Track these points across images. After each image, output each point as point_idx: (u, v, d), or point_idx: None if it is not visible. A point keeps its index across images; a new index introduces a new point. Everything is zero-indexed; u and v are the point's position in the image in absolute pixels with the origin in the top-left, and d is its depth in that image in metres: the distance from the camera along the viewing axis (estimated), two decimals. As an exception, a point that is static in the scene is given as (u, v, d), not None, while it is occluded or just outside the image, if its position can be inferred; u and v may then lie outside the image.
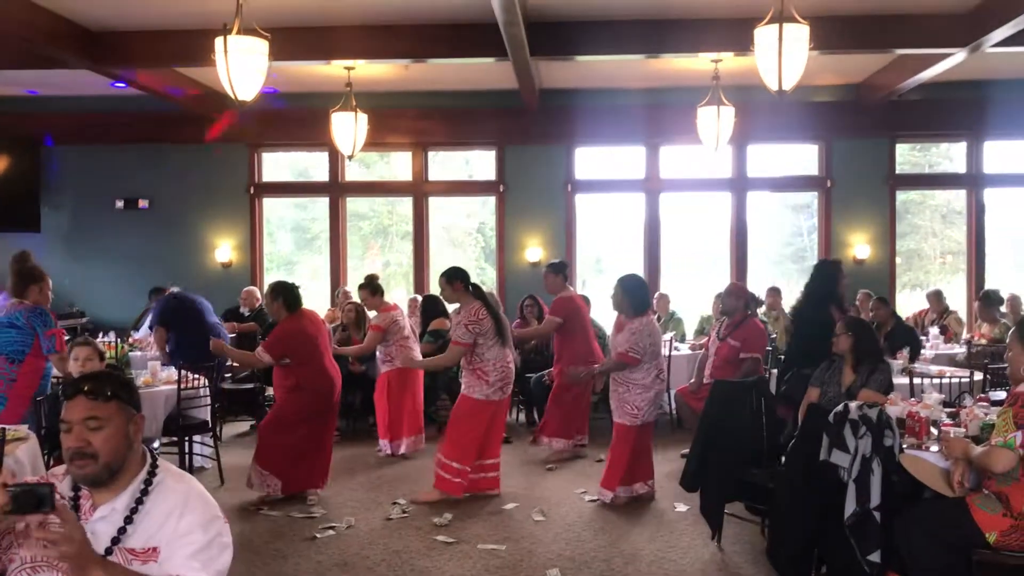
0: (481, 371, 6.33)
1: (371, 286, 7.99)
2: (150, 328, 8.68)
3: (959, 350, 8.84)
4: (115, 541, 2.32)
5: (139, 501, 2.36)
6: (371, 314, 8.32)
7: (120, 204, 11.60)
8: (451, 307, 7.54)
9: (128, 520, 2.34)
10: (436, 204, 12.12)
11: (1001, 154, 11.67)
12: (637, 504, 6.30)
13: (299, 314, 6.48)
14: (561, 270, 7.97)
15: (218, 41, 6.34)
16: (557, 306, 7.81)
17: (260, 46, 6.49)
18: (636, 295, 6.42)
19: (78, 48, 8.41)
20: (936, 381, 6.42)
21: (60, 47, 8.24)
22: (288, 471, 6.37)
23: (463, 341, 6.29)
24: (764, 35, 6.30)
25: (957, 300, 11.46)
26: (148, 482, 2.38)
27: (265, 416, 6.67)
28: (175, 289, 8.92)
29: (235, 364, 8.11)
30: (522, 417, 9.48)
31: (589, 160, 11.75)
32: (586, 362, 7.61)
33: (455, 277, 6.52)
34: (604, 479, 6.39)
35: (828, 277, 6.72)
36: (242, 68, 6.43)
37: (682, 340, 9.82)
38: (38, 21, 7.86)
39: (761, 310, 9.61)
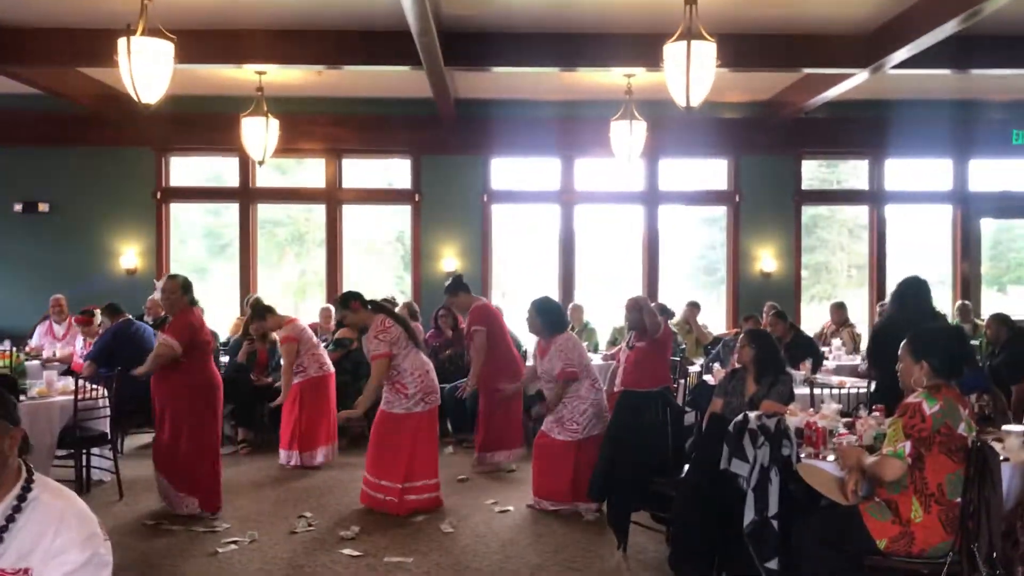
0: (399, 383, 6.25)
1: (255, 310, 7.97)
2: (87, 359, 8.19)
3: (860, 361, 9.11)
4: None
5: (10, 519, 2.24)
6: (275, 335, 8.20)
7: (19, 207, 11.15)
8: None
9: None
10: (355, 212, 11.99)
11: (901, 171, 12.12)
12: (547, 514, 6.31)
13: (193, 308, 6.31)
14: (458, 286, 7.93)
15: (121, 42, 6.19)
16: (476, 316, 7.72)
17: (165, 48, 6.35)
18: (550, 316, 6.53)
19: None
20: (835, 391, 6.59)
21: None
22: (200, 486, 6.20)
23: (380, 352, 6.19)
24: (673, 51, 6.42)
25: (861, 312, 11.84)
26: (22, 498, 2.27)
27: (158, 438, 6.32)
28: (129, 316, 8.54)
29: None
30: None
31: (505, 171, 11.79)
32: (508, 370, 7.60)
33: (349, 299, 6.53)
34: (549, 492, 6.36)
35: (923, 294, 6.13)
36: (146, 70, 6.29)
37: (595, 350, 9.90)
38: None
39: (674, 320, 9.77)
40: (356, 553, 5.42)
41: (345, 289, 11.37)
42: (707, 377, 7.57)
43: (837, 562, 3.81)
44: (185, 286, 6.25)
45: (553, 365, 6.39)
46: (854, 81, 9.17)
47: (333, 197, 11.58)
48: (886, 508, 3.82)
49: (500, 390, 7.48)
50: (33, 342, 9.61)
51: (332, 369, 8.04)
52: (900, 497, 3.79)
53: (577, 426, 6.30)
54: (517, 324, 8.44)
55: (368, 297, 6.64)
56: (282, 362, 7.93)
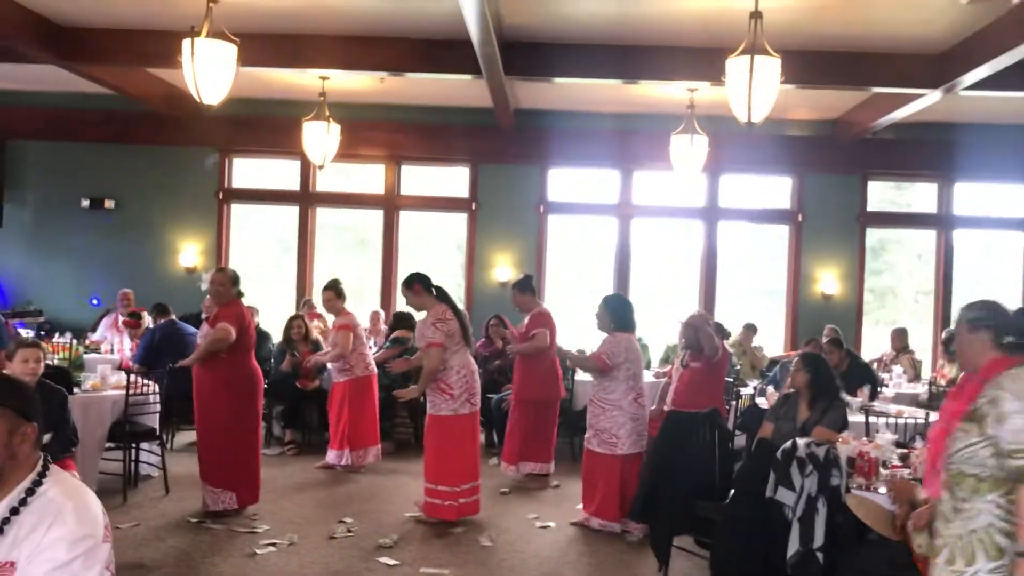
0: (443, 382, 6.17)
1: (336, 289, 7.91)
2: (135, 362, 8.34)
3: (921, 390, 8.84)
4: None
5: (14, 511, 2.22)
6: (329, 318, 8.22)
7: (86, 203, 11.41)
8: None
9: None
10: (416, 218, 12.03)
11: (971, 196, 11.76)
12: (588, 532, 6.20)
13: (240, 300, 6.37)
14: (528, 286, 7.82)
15: (185, 43, 6.28)
16: (542, 320, 7.59)
17: (228, 51, 6.43)
18: (618, 313, 6.37)
19: (44, 43, 8.27)
20: (892, 421, 6.38)
21: (26, 41, 8.11)
22: (237, 480, 6.24)
23: (436, 340, 6.11)
24: (735, 66, 6.30)
25: (925, 339, 11.50)
26: (30, 492, 2.25)
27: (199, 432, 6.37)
28: (174, 317, 8.70)
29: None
30: (481, 438, 9.33)
31: (562, 182, 11.72)
32: (546, 383, 7.53)
33: (413, 280, 6.37)
34: (597, 509, 6.22)
35: None
36: (209, 72, 6.37)
37: (647, 367, 9.75)
38: (3, 13, 7.72)
39: (729, 341, 9.59)
40: (393, 562, 5.38)
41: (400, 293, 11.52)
42: (760, 400, 7.39)
43: (884, 600, 3.66)
44: (233, 279, 6.35)
45: (599, 349, 6.28)
46: (925, 102, 8.92)
47: (391, 203, 11.64)
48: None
49: (540, 401, 7.42)
50: (96, 335, 9.82)
51: (376, 371, 8.05)
52: (954, 536, 3.61)
53: (615, 439, 6.16)
54: (567, 336, 8.35)
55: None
56: (331, 348, 7.91)
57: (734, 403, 7.46)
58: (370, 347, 8.83)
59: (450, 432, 6.21)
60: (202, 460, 6.28)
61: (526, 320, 7.73)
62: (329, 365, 7.97)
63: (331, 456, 7.83)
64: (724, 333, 9.21)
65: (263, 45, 8.10)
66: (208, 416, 6.23)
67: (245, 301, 6.51)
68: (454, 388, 6.18)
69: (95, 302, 11.07)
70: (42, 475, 2.30)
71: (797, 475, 4.04)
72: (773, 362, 9.77)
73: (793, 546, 3.95)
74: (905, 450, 4.84)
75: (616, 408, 6.18)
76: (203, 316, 9.97)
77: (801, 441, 4.20)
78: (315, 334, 8.86)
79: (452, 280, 12.25)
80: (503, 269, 11.32)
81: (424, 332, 6.20)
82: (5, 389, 2.29)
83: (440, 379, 6.18)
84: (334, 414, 7.84)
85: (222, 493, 6.22)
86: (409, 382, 8.10)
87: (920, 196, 12.43)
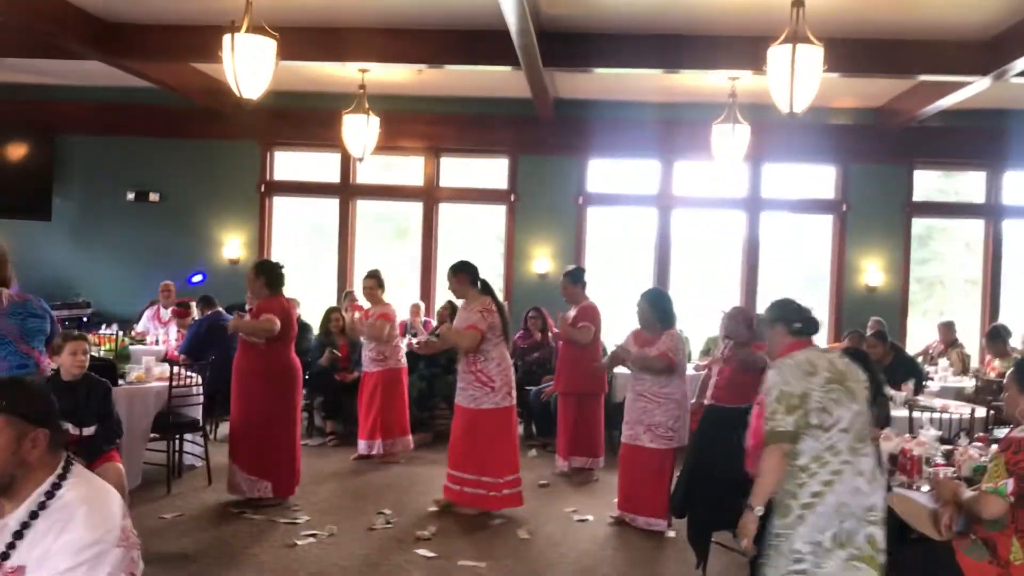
0: (485, 375, 6.18)
1: (377, 278, 7.99)
2: (180, 352, 8.47)
3: (968, 383, 8.67)
4: (3, 557, 2.20)
5: (33, 515, 2.23)
6: (366, 304, 8.27)
7: (131, 196, 11.58)
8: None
9: (18, 535, 2.21)
10: (456, 210, 12.06)
11: (1021, 185, 11.48)
12: (626, 527, 6.18)
13: (280, 295, 6.44)
14: (580, 278, 7.75)
15: (225, 38, 6.32)
16: (589, 314, 7.54)
17: (268, 45, 6.46)
18: (661, 307, 6.28)
19: (90, 39, 8.39)
20: (937, 416, 6.26)
21: (72, 37, 8.23)
22: (275, 470, 6.32)
23: (480, 327, 6.14)
24: (777, 55, 6.21)
25: (973, 331, 11.26)
26: (49, 495, 2.25)
27: (234, 422, 6.49)
28: (220, 308, 8.82)
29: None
30: (520, 430, 9.33)
31: (602, 173, 11.64)
32: (592, 376, 7.47)
33: (461, 270, 6.38)
34: (653, 509, 6.13)
35: None
36: (248, 66, 6.40)
37: (688, 359, 9.67)
38: (51, 10, 7.86)
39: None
40: (431, 554, 5.41)
41: (439, 284, 11.55)
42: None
43: (927, 601, 3.59)
44: (267, 272, 6.44)
45: (658, 347, 6.15)
46: (973, 89, 8.72)
47: (431, 195, 11.66)
48: (983, 547, 3.58)
49: (585, 394, 7.41)
50: (140, 327, 9.97)
51: (406, 364, 8.12)
52: (999, 536, 3.55)
53: (673, 433, 6.10)
54: (608, 329, 8.30)
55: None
56: (366, 331, 7.94)
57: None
58: (411, 338, 8.89)
59: (494, 424, 6.24)
60: (235, 445, 6.38)
61: (572, 312, 7.66)
62: (363, 354, 8.01)
63: (362, 446, 7.90)
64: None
65: (302, 39, 8.13)
66: (244, 404, 6.33)
67: (287, 292, 6.59)
68: (495, 381, 6.21)
69: (199, 277, 11.17)
70: (62, 477, 2.29)
71: (838, 473, 3.97)
72: None
73: (833, 545, 3.88)
74: (950, 447, 4.76)
75: (672, 401, 6.12)
76: (247, 308, 10.12)
77: (842, 438, 4.12)
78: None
79: (492, 271, 12.26)
80: (542, 261, 11.29)
81: (469, 316, 6.22)
82: (11, 394, 2.27)
83: (479, 371, 6.20)
84: (365, 404, 7.90)
85: (258, 481, 6.30)
86: (449, 374, 8.16)
87: (968, 184, 12.17)
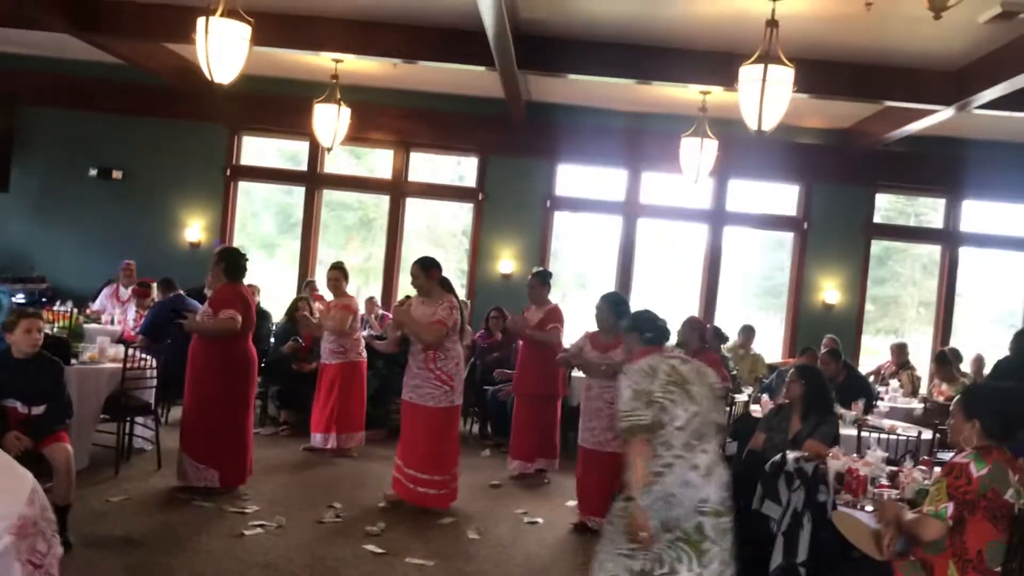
0: (444, 373, 6.22)
1: (343, 270, 7.96)
2: (139, 332, 8.36)
3: (917, 405, 8.84)
4: None
5: None
6: (328, 295, 8.22)
7: (93, 172, 11.40)
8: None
9: None
10: (421, 202, 12.04)
11: (980, 213, 11.73)
12: (576, 531, 6.23)
13: (239, 283, 6.38)
14: (547, 280, 7.73)
15: (200, 21, 6.27)
16: (555, 315, 7.52)
17: (242, 30, 6.41)
18: (622, 311, 6.26)
19: (61, 12, 8.27)
20: (884, 437, 6.38)
21: (44, 9, 8.11)
22: (222, 459, 6.27)
23: (447, 322, 6.17)
24: (748, 74, 6.30)
25: (924, 353, 11.48)
26: None
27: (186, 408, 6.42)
28: (180, 292, 8.70)
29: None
30: (475, 429, 9.36)
31: (570, 177, 11.70)
32: (553, 379, 7.48)
33: (432, 265, 6.39)
34: (592, 507, 6.19)
35: None
36: (222, 51, 6.35)
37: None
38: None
39: (727, 345, 9.60)
40: (379, 550, 5.41)
41: (404, 279, 11.53)
42: (754, 408, 7.40)
43: (864, 619, 3.67)
44: (228, 260, 6.35)
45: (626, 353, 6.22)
46: (938, 117, 8.91)
47: (398, 189, 11.63)
48: (920, 568, 3.66)
49: (545, 396, 7.43)
50: (96, 305, 9.82)
51: (365, 357, 8.08)
52: (937, 559, 3.63)
53: None
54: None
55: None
56: (328, 323, 7.90)
57: (728, 409, 7.45)
58: (371, 333, 8.86)
59: (450, 422, 6.35)
60: (185, 433, 6.30)
61: (534, 311, 7.63)
62: (323, 345, 7.96)
63: (317, 439, 7.84)
64: (722, 338, 9.25)
65: (277, 26, 8.09)
66: (197, 391, 6.26)
67: (246, 279, 6.54)
68: (453, 380, 6.28)
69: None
70: None
71: (784, 489, 4.06)
72: (771, 368, 9.77)
73: (776, 559, 3.96)
74: (895, 468, 4.85)
75: None
76: (206, 291, 10.03)
77: (790, 455, 4.21)
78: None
79: (455, 268, 12.27)
80: (507, 262, 11.31)
81: (436, 311, 6.22)
82: None
83: (439, 370, 6.22)
84: (323, 396, 7.86)
85: (205, 470, 6.23)
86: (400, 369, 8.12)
87: (930, 207, 12.39)
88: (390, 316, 9.93)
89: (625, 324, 4.29)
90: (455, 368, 6.29)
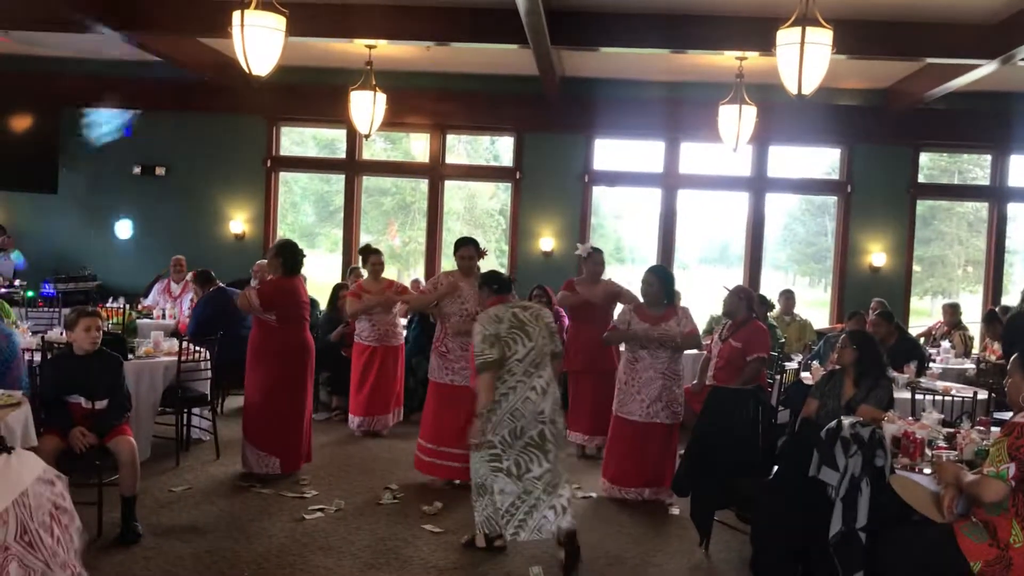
0: None
1: (381, 255, 8.10)
2: (188, 334, 8.44)
3: (969, 366, 8.73)
4: None
5: None
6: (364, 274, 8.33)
7: (137, 170, 11.60)
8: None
9: None
10: (459, 184, 12.07)
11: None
12: (630, 504, 6.26)
13: (295, 278, 6.52)
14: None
15: (235, 15, 6.32)
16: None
17: (277, 22, 6.45)
18: (671, 284, 6.45)
19: (100, 13, 8.39)
20: (939, 399, 6.32)
21: (83, 11, 8.23)
22: (283, 447, 6.40)
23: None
24: (786, 37, 6.21)
25: (976, 312, 11.32)
26: None
27: (248, 398, 6.56)
28: (221, 284, 8.76)
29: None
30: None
31: (607, 151, 11.65)
32: (609, 355, 7.42)
33: (481, 248, 6.56)
34: (658, 481, 6.29)
35: None
36: (257, 43, 6.40)
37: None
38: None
39: (774, 313, 9.53)
40: (438, 530, 5.49)
41: (446, 261, 11.59)
42: (805, 375, 7.36)
43: (927, 582, 3.66)
44: (279, 249, 6.52)
45: (683, 325, 6.30)
46: (980, 72, 8.72)
47: (436, 172, 11.67)
48: (983, 530, 3.64)
49: (604, 371, 7.33)
50: (148, 300, 10.01)
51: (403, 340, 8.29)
52: (999, 519, 3.61)
53: (680, 407, 6.33)
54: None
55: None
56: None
57: (777, 377, 7.42)
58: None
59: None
60: (248, 422, 6.44)
61: (594, 287, 7.55)
62: (364, 328, 8.05)
63: (355, 422, 8.02)
64: (768, 305, 9.17)
65: (311, 15, 8.15)
66: (256, 381, 6.41)
67: None
68: None
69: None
70: None
71: (841, 455, 4.04)
72: (819, 334, 9.68)
73: (836, 526, 3.95)
74: (952, 430, 4.81)
75: (683, 378, 6.42)
76: (253, 283, 10.17)
77: (846, 421, 4.18)
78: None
79: (495, 248, 12.31)
80: (546, 239, 11.32)
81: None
82: None
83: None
84: (359, 378, 8.01)
85: (267, 457, 6.38)
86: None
87: (972, 165, 12.18)
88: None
89: (478, 280, 5.48)
90: None
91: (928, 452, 4.34)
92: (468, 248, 6.47)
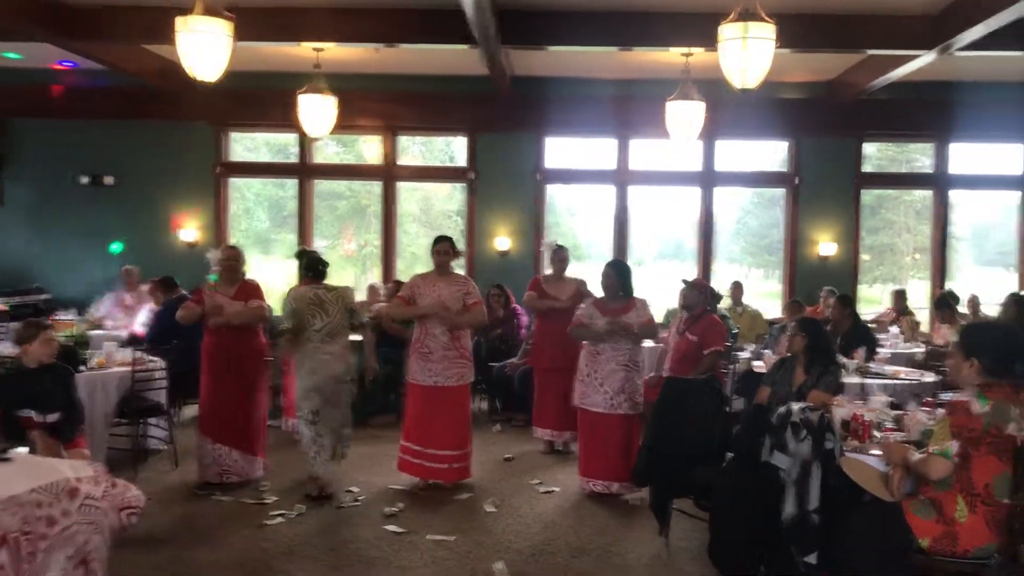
0: (466, 350, 6.50)
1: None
2: (147, 341, 8.31)
3: (917, 350, 8.93)
4: None
5: None
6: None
7: (85, 180, 11.42)
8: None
9: None
10: (414, 186, 12.05)
11: (968, 156, 11.77)
12: (592, 497, 6.33)
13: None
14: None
15: (179, 20, 6.28)
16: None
17: (222, 27, 6.41)
18: (628, 277, 6.55)
19: (41, 22, 8.26)
20: (888, 383, 6.47)
21: (24, 21, 8.11)
22: (263, 444, 6.74)
23: (481, 301, 6.56)
24: (729, 32, 6.32)
25: (924, 298, 11.58)
26: None
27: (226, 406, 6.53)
28: (184, 292, 8.67)
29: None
30: (484, 406, 9.43)
31: (560, 149, 11.72)
32: (575, 352, 7.47)
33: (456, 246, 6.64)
34: (623, 474, 6.29)
35: None
36: (203, 48, 6.36)
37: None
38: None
39: (724, 304, 9.67)
40: (400, 530, 5.51)
41: (399, 264, 11.59)
42: (757, 364, 7.49)
43: (877, 560, 3.76)
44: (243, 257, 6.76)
45: (642, 316, 6.42)
46: (920, 62, 8.92)
47: (389, 174, 11.64)
48: (930, 506, 3.75)
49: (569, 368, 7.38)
50: (101, 312, 9.86)
51: None
52: (945, 496, 3.72)
53: (641, 398, 6.43)
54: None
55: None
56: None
57: (731, 367, 7.54)
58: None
59: (468, 398, 6.70)
60: (255, 432, 6.57)
61: (561, 285, 7.73)
62: None
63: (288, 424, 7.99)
64: (718, 297, 9.31)
65: (257, 19, 8.09)
66: (257, 388, 6.57)
67: (249, 275, 6.78)
68: (471, 355, 6.59)
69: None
70: None
71: (792, 440, 4.14)
72: (771, 324, 9.83)
73: (789, 509, 4.05)
74: (900, 412, 4.94)
75: (642, 368, 6.55)
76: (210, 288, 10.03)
77: (795, 406, 4.29)
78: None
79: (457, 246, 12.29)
80: (503, 239, 11.35)
81: (471, 291, 6.49)
82: None
83: (464, 347, 6.46)
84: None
85: (255, 459, 6.60)
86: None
87: (919, 154, 12.45)
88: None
89: (298, 266, 6.84)
90: (469, 344, 6.58)
91: (876, 434, 4.44)
92: (443, 244, 6.52)
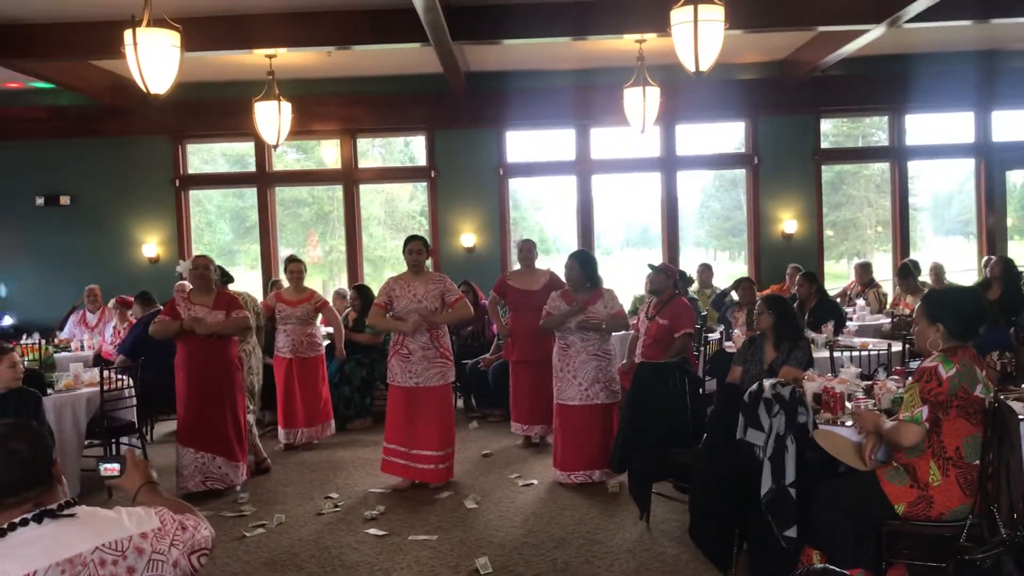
0: (446, 349, 6.47)
1: (302, 262, 8.17)
2: (120, 351, 8.15)
3: (885, 321, 9.04)
4: None
5: None
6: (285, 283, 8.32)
7: (41, 201, 11.26)
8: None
9: None
10: (376, 188, 12.01)
11: (923, 126, 11.92)
12: (572, 487, 6.34)
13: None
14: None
15: (127, 34, 6.19)
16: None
17: (171, 38, 6.34)
18: (593, 267, 6.54)
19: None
20: (857, 355, 6.54)
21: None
22: (245, 450, 6.72)
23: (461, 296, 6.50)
24: (680, 16, 6.36)
25: (887, 270, 11.72)
26: None
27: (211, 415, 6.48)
28: (160, 306, 8.55)
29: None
30: (460, 403, 9.42)
31: (520, 143, 11.72)
32: (548, 345, 7.48)
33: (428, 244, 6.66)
34: (603, 462, 6.30)
35: None
36: (153, 61, 6.28)
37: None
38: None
39: (694, 288, 9.72)
40: (381, 532, 5.48)
41: (366, 267, 11.54)
42: (727, 344, 7.54)
43: (856, 528, 3.80)
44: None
45: (610, 307, 6.44)
46: (870, 36, 9.01)
47: (349, 177, 11.59)
48: (904, 472, 3.79)
49: (543, 361, 7.27)
50: (64, 333, 9.74)
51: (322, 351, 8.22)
52: (918, 461, 3.76)
53: (617, 386, 6.45)
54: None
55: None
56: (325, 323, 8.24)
57: (702, 349, 7.59)
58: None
59: (451, 396, 6.69)
60: (241, 438, 6.55)
61: (531, 278, 7.74)
62: (279, 343, 7.97)
63: (284, 435, 7.93)
64: (687, 280, 9.35)
65: (206, 28, 8.02)
66: (234, 393, 6.50)
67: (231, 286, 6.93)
68: (451, 354, 6.56)
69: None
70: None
71: (765, 416, 4.16)
72: (720, 294, 9.72)
73: (766, 484, 4.07)
74: (869, 382, 4.99)
75: (614, 357, 6.56)
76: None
77: (767, 382, 4.31)
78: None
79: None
80: (467, 236, 11.33)
81: (449, 287, 6.47)
82: None
83: (444, 347, 6.44)
84: (290, 390, 7.91)
85: (241, 465, 6.57)
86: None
87: (875, 128, 12.58)
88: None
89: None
90: (449, 342, 6.57)
91: (848, 405, 4.48)
92: (415, 244, 6.48)
